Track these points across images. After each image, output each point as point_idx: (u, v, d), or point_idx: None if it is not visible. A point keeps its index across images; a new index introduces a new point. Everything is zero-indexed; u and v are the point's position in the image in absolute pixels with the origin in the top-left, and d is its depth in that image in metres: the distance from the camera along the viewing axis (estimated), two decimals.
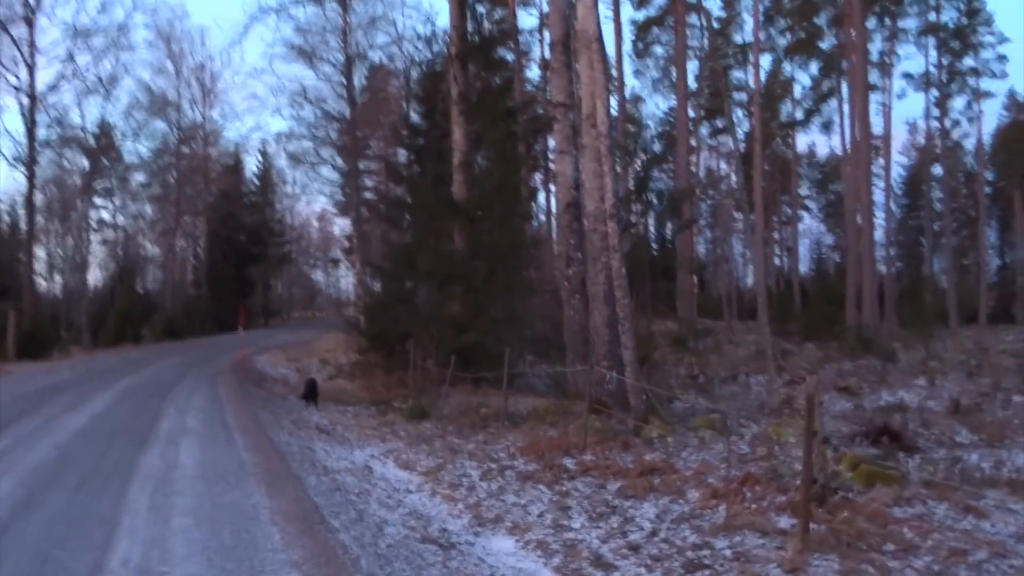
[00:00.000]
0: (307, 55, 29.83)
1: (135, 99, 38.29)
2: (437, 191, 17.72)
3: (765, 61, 41.75)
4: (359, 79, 31.37)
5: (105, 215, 45.02)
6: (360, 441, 10.09)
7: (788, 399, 15.67)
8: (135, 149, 40.64)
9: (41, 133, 31.14)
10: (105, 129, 38.77)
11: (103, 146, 38.86)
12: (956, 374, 19.31)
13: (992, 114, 56.19)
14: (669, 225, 36.86)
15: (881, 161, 41.89)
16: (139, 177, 42.44)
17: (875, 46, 39.67)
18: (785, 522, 5.81)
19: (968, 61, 43.27)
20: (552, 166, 22.40)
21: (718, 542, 5.39)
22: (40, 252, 39.93)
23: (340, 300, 68.44)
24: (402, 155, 27.76)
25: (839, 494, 5.94)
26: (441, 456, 8.89)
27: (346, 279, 65.53)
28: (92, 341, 32.76)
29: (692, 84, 40.13)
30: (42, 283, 41.04)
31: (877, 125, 39.90)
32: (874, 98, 38.85)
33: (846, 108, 40.06)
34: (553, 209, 32.05)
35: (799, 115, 45.73)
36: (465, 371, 14.05)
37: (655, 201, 18.52)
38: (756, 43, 30.66)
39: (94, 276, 44.10)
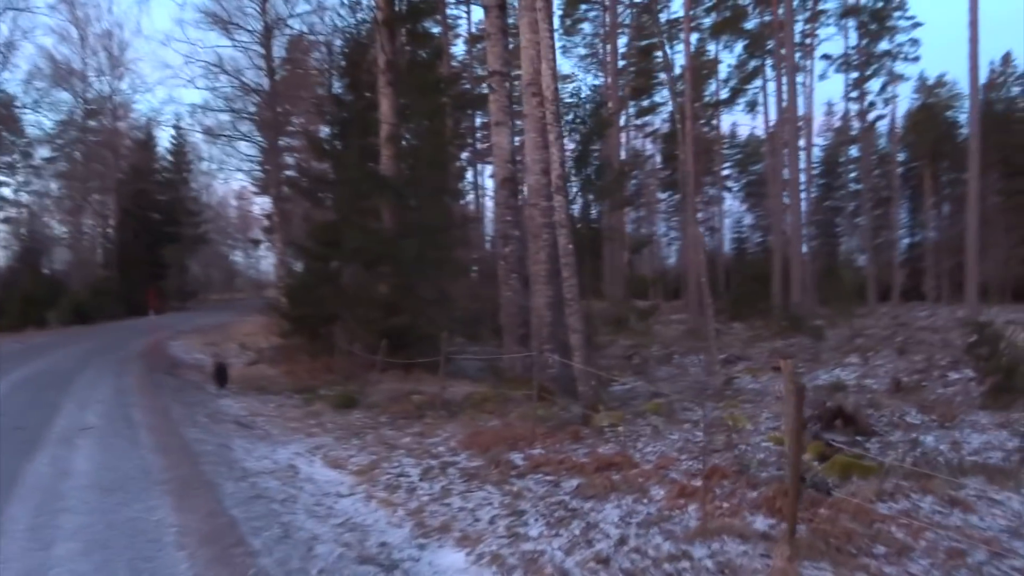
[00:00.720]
0: (223, 22, 28.32)
1: (36, 67, 35.86)
2: (363, 166, 16.75)
3: (691, 39, 41.78)
4: (279, 49, 30.01)
5: (7, 192, 42.19)
6: (284, 436, 9.17)
7: (729, 380, 15.41)
8: (38, 121, 38.08)
9: None
10: (4, 99, 36.07)
11: (2, 117, 36.20)
12: (886, 351, 19.43)
13: (905, 97, 57.74)
14: (595, 204, 36.52)
15: (802, 141, 42.51)
16: (43, 152, 39.88)
17: (797, 27, 40.15)
18: (762, 523, 5.29)
19: (884, 44, 44.29)
20: (481, 145, 21.62)
21: (696, 550, 4.79)
22: None
23: (261, 281, 66.17)
24: (325, 131, 26.52)
25: (832, 494, 5.42)
26: (375, 452, 8.08)
27: (267, 260, 63.31)
28: None
29: (621, 62, 39.89)
30: None
31: (799, 106, 40.47)
32: (796, 79, 39.38)
33: (771, 87, 40.54)
34: (482, 187, 31.29)
35: (724, 94, 46.08)
36: (395, 355, 13.25)
37: (594, 179, 17.91)
38: (687, 19, 30.41)
39: None
